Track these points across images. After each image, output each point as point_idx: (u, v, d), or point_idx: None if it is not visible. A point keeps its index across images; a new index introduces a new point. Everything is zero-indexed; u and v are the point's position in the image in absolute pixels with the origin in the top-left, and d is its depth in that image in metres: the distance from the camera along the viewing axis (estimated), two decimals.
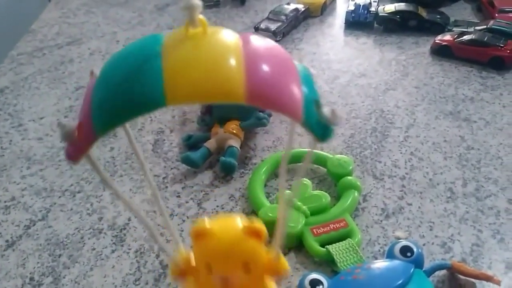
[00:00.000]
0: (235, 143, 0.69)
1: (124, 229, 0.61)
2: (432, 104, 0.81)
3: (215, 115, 0.72)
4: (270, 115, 0.74)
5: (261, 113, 0.71)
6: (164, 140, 0.77)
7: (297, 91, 0.28)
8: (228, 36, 0.28)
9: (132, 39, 1.10)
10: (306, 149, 0.70)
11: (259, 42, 0.29)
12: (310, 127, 0.29)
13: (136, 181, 0.69)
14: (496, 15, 0.97)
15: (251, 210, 0.62)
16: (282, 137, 0.76)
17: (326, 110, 0.29)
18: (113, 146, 0.76)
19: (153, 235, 0.36)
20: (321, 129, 0.29)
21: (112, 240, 0.60)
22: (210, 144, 0.70)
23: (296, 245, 0.57)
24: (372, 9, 1.07)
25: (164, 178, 0.70)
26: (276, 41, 1.02)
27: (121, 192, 0.33)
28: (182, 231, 0.61)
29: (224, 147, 0.69)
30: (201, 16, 0.28)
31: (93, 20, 1.22)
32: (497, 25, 0.91)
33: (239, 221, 0.36)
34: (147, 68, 0.26)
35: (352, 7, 1.08)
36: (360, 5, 1.08)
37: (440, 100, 0.82)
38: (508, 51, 0.85)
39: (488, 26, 0.92)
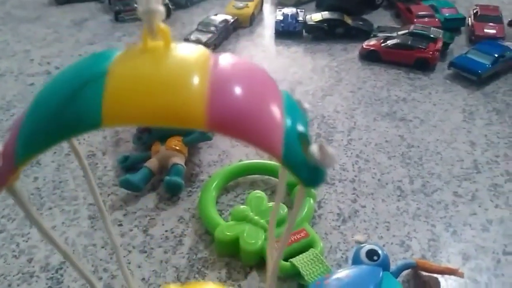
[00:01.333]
0: (179, 160, 0.64)
1: (61, 268, 0.53)
2: (369, 106, 0.83)
3: (154, 132, 0.67)
4: None
5: None
6: (97, 164, 0.70)
7: (277, 121, 0.23)
8: (195, 53, 0.23)
9: (49, 57, 1.00)
10: (257, 161, 0.67)
11: (235, 62, 0.24)
12: (293, 167, 0.23)
13: (68, 213, 0.61)
14: (414, 20, 1.03)
15: (205, 231, 0.58)
16: (227, 150, 0.73)
17: (313, 147, 0.23)
18: (37, 175, 0.67)
19: (89, 281, 0.30)
20: (308, 171, 0.23)
21: (47, 284, 0.51)
22: (152, 163, 0.64)
23: (257, 263, 0.53)
24: (300, 18, 1.08)
25: (96, 204, 0.62)
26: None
27: (47, 230, 0.27)
28: (129, 263, 0.54)
29: (167, 165, 0.64)
30: (162, 25, 0.23)
31: (0, 38, 1.09)
32: (417, 29, 0.97)
33: None
34: (87, 87, 0.22)
35: (280, 17, 1.09)
36: (288, 15, 1.09)
37: (376, 102, 0.84)
38: (431, 53, 0.91)
39: (410, 30, 0.97)
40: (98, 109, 0.21)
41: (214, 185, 0.62)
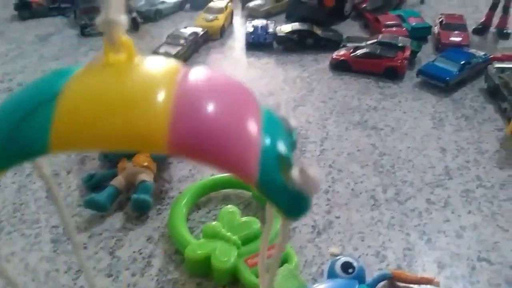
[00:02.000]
0: (147, 177, 0.62)
1: None
2: (341, 116, 0.83)
3: None
4: None
5: None
6: (61, 184, 0.66)
7: (251, 142, 0.21)
8: (161, 67, 0.21)
9: (11, 74, 0.96)
10: (229, 174, 0.65)
11: (207, 76, 0.22)
12: (270, 194, 0.21)
13: (29, 237, 0.58)
14: (382, 30, 1.05)
15: (175, 250, 0.55)
16: (198, 165, 0.71)
17: (293, 171, 0.20)
18: None
19: None
20: (289, 199, 0.21)
21: None
22: (118, 181, 0.61)
23: (230, 282, 0.51)
24: (270, 30, 1.08)
25: (65, 228, 0.59)
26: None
27: None
28: None
29: (134, 183, 0.62)
30: (125, 37, 0.21)
31: None
32: (385, 38, 0.98)
33: None
34: (36, 111, 0.20)
35: (251, 29, 1.08)
36: (259, 27, 1.08)
37: (347, 111, 0.84)
38: (400, 61, 0.92)
39: (378, 40, 0.98)
40: (45, 135, 0.19)
41: (184, 201, 0.60)
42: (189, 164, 0.70)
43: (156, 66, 0.22)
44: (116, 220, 0.60)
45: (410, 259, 0.55)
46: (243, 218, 0.57)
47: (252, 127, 0.21)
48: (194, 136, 0.20)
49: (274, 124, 0.23)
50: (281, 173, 0.21)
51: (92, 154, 0.72)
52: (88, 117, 0.19)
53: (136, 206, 0.59)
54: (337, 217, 0.61)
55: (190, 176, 0.68)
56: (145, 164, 0.63)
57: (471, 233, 0.58)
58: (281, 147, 0.22)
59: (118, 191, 0.61)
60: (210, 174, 0.68)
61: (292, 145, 0.23)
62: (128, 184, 0.62)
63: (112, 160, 0.66)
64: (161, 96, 0.20)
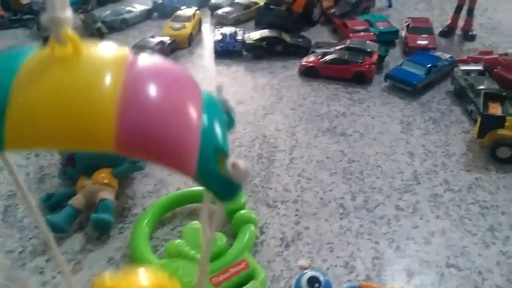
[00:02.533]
0: (108, 194, 0.59)
1: None
2: (310, 123, 0.82)
3: (79, 165, 0.62)
4: None
5: None
6: (18, 205, 0.63)
7: (192, 137, 0.22)
8: (108, 57, 0.22)
9: None
10: (195, 188, 0.63)
11: (150, 69, 0.22)
12: (206, 183, 0.23)
13: None
14: (351, 35, 1.05)
15: None
16: (164, 179, 0.68)
17: (227, 165, 0.22)
18: None
19: None
20: (222, 185, 0.23)
21: None
22: (77, 200, 0.59)
23: None
24: (239, 37, 1.07)
25: (20, 252, 0.56)
26: None
27: None
28: None
29: (95, 201, 0.59)
30: (70, 32, 0.21)
31: None
32: (353, 43, 0.98)
33: (149, 279, 0.31)
34: None
35: (219, 37, 1.07)
36: (227, 34, 1.07)
37: (316, 118, 0.83)
38: (367, 66, 0.92)
39: (346, 45, 0.98)
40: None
41: (147, 219, 0.58)
42: (153, 179, 0.68)
43: (102, 57, 0.22)
44: (75, 241, 0.58)
45: (379, 268, 0.54)
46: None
47: (193, 122, 0.22)
48: (139, 134, 0.20)
49: (214, 113, 0.24)
50: (217, 164, 0.22)
51: (51, 172, 0.69)
52: (38, 115, 0.20)
53: (96, 226, 0.57)
54: (306, 228, 0.60)
55: (155, 191, 0.66)
56: (105, 181, 0.60)
57: (439, 238, 0.58)
58: (219, 138, 0.23)
59: (77, 210, 0.58)
60: (176, 188, 0.66)
61: (229, 125, 0.25)
62: (88, 203, 0.60)
63: (72, 178, 0.64)
64: (107, 92, 0.20)
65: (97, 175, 0.61)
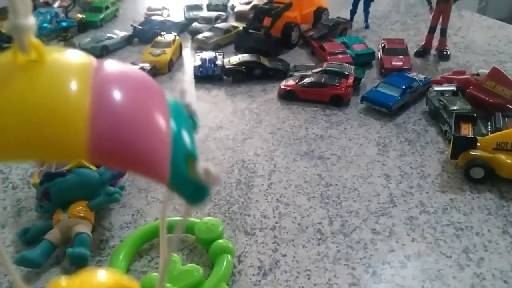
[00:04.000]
0: (84, 228, 0.59)
1: None
2: (288, 147, 0.83)
3: (54, 198, 0.61)
4: (123, 188, 0.66)
5: (111, 187, 0.63)
6: None
7: (164, 145, 0.22)
8: (73, 64, 0.21)
9: None
10: (172, 218, 0.63)
11: (117, 71, 0.23)
12: (178, 188, 0.23)
13: None
14: (328, 57, 1.07)
15: None
16: (142, 208, 0.68)
17: (200, 171, 0.23)
18: None
19: None
20: (193, 190, 0.24)
21: None
22: (53, 235, 0.58)
23: None
24: (218, 62, 1.08)
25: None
26: None
27: None
28: None
29: (71, 235, 0.59)
30: (34, 40, 0.21)
31: None
32: (330, 66, 1.00)
33: (104, 278, 0.31)
34: None
35: (199, 62, 1.08)
36: (206, 59, 1.08)
37: (295, 142, 0.84)
38: (344, 89, 0.93)
39: (323, 68, 1.00)
40: None
41: (124, 251, 0.57)
42: (131, 209, 0.68)
43: (67, 64, 0.21)
44: (52, 276, 0.57)
45: None
46: (185, 265, 0.55)
47: (163, 127, 0.22)
48: (111, 143, 0.20)
49: (180, 118, 0.24)
50: (188, 169, 0.23)
51: (29, 205, 0.69)
52: (3, 126, 0.19)
53: (72, 260, 0.57)
54: (284, 255, 0.60)
55: (133, 221, 0.66)
56: (81, 214, 0.60)
57: (415, 262, 0.59)
58: (188, 144, 0.24)
59: (53, 245, 0.58)
60: (154, 218, 0.66)
61: (194, 128, 0.26)
62: (64, 237, 0.59)
63: (49, 211, 0.63)
64: (76, 99, 0.20)
65: (73, 208, 0.60)
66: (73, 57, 0.22)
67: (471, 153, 0.72)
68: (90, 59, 0.23)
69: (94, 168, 0.65)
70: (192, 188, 0.23)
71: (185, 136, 0.24)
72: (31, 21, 0.21)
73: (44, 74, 0.21)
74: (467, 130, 0.76)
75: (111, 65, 0.23)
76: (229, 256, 0.57)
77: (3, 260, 0.29)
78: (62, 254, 0.60)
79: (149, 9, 1.45)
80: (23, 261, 0.56)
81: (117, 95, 0.21)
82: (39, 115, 0.19)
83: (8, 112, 0.19)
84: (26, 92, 0.20)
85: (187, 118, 0.25)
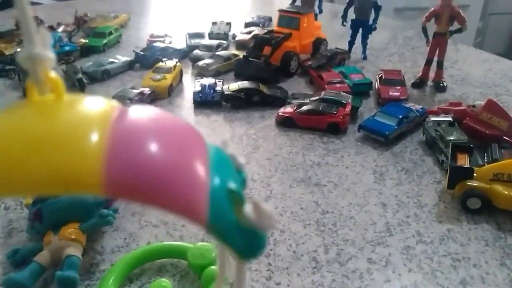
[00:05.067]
0: (74, 251, 0.58)
1: None
2: (285, 173, 0.83)
3: (46, 220, 0.61)
4: (116, 211, 0.66)
5: (104, 210, 0.62)
6: None
7: (199, 179, 0.20)
8: (94, 106, 0.20)
9: None
10: (165, 243, 0.62)
11: (147, 115, 0.21)
12: (222, 233, 0.20)
13: None
14: (326, 86, 1.08)
15: None
16: (135, 232, 0.67)
17: (247, 207, 0.20)
18: None
19: None
20: (243, 237, 0.20)
21: None
22: (42, 257, 0.57)
23: None
24: (218, 88, 1.09)
25: None
26: None
27: None
28: None
29: (61, 257, 0.58)
30: (52, 75, 0.20)
31: None
32: (328, 95, 1.01)
33: None
34: None
35: (198, 88, 1.09)
36: (206, 85, 1.10)
37: (291, 168, 0.84)
38: (341, 117, 0.94)
39: (321, 96, 1.01)
40: None
41: (114, 276, 0.56)
42: (124, 233, 0.67)
43: (88, 104, 0.20)
44: None
45: None
46: None
47: (199, 163, 0.20)
48: (131, 174, 0.18)
49: (222, 162, 0.22)
50: (234, 211, 0.20)
51: (20, 226, 0.68)
52: (12, 159, 0.18)
53: (61, 284, 0.55)
54: (278, 284, 0.59)
55: (125, 245, 0.65)
56: (72, 236, 0.59)
57: None
58: (231, 184, 0.21)
59: (42, 267, 0.57)
60: (147, 242, 0.65)
61: (242, 182, 0.22)
62: (54, 259, 0.58)
63: (39, 233, 0.62)
64: (93, 133, 0.18)
65: (64, 231, 0.59)
66: (93, 100, 0.21)
67: (467, 183, 0.72)
68: (113, 105, 0.21)
69: None
70: (241, 235, 0.20)
71: (228, 176, 0.21)
72: (49, 53, 0.19)
73: (60, 110, 0.20)
74: (463, 161, 0.76)
75: (136, 109, 0.21)
76: (223, 285, 0.56)
77: None
78: (51, 277, 0.58)
79: (151, 36, 1.48)
80: (10, 284, 0.54)
81: (140, 131, 0.20)
82: (50, 151, 0.18)
83: (18, 147, 0.18)
84: (39, 125, 0.19)
85: (230, 164, 0.23)
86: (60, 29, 1.49)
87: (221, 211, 0.20)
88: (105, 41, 1.41)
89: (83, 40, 1.39)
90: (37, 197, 0.62)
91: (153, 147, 0.19)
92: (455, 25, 1.11)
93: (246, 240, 0.20)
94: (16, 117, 0.19)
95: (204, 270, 0.57)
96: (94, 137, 0.18)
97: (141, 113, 0.21)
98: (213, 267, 0.57)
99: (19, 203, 0.73)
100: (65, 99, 0.20)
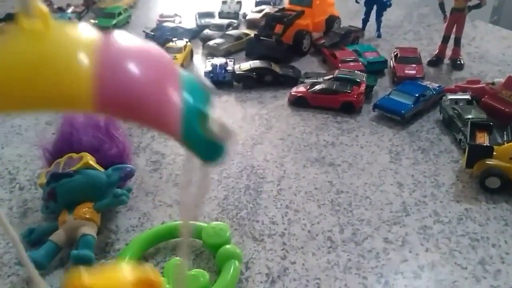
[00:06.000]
0: (89, 230, 0.58)
1: None
2: (298, 153, 0.82)
3: (60, 199, 0.61)
4: (130, 190, 0.65)
5: (118, 190, 0.62)
6: None
7: (174, 98, 0.23)
8: (80, 32, 0.22)
9: None
10: (179, 222, 0.62)
11: (128, 41, 0.24)
12: (191, 144, 0.24)
13: None
14: (339, 65, 1.06)
15: None
16: (149, 212, 0.67)
17: (213, 124, 0.24)
18: None
19: None
20: (207, 147, 0.24)
21: None
22: (57, 236, 0.57)
23: None
24: (229, 68, 1.08)
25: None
26: None
27: None
28: None
29: (76, 236, 0.58)
30: (40, 5, 0.21)
31: None
32: (341, 73, 0.99)
33: (127, 273, 0.30)
34: None
35: (209, 68, 1.08)
36: (217, 65, 1.08)
37: (305, 148, 0.83)
38: (355, 96, 0.92)
39: (335, 75, 0.99)
40: None
41: (129, 255, 0.56)
42: (138, 212, 0.67)
43: (74, 31, 0.22)
44: (55, 279, 0.56)
45: None
46: (192, 270, 0.54)
47: (174, 86, 0.23)
48: (118, 93, 0.21)
49: (192, 84, 0.25)
50: (201, 127, 0.23)
51: (35, 206, 0.68)
52: (5, 79, 0.20)
53: (77, 262, 0.55)
54: (293, 263, 0.58)
55: (139, 225, 0.65)
56: (87, 216, 0.59)
57: (429, 273, 0.56)
58: (201, 104, 0.24)
59: (57, 246, 0.57)
60: (161, 222, 0.65)
61: (207, 100, 0.25)
62: (69, 238, 0.58)
63: (55, 212, 0.62)
64: (84, 57, 0.21)
65: (79, 210, 0.59)
66: (79, 26, 0.23)
67: (487, 162, 0.70)
68: (97, 32, 0.23)
69: (101, 169, 0.64)
70: (206, 144, 0.24)
71: (198, 97, 0.24)
72: None
73: (50, 36, 0.21)
74: (482, 139, 0.74)
75: (120, 33, 0.24)
76: (237, 262, 0.56)
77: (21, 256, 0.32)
78: (67, 256, 0.59)
79: (161, 16, 1.45)
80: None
81: (123, 54, 0.22)
82: (41, 67, 0.20)
83: (9, 65, 0.20)
84: (32, 49, 0.21)
85: (200, 87, 0.26)
86: (70, 10, 1.48)
87: (191, 126, 0.23)
88: (114, 21, 1.39)
89: (92, 21, 1.38)
90: (51, 176, 0.62)
91: (135, 70, 0.22)
92: (473, 1, 1.07)
93: (209, 148, 0.24)
94: (11, 42, 0.21)
95: (219, 249, 0.57)
96: (85, 61, 0.21)
97: (123, 40, 0.24)
98: (228, 246, 0.57)
99: (33, 184, 0.73)
100: (54, 28, 0.22)
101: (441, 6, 1.11)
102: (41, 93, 0.20)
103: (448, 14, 1.10)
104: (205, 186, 0.27)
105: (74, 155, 0.64)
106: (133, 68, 0.22)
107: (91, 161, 0.63)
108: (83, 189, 0.60)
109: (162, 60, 0.25)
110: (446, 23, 1.11)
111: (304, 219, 0.66)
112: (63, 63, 0.21)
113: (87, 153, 0.64)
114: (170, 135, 0.22)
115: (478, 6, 1.06)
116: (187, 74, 0.26)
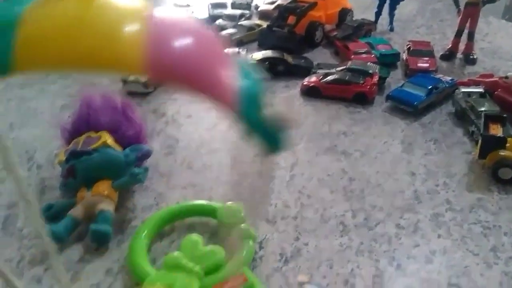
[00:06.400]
0: (107, 206, 0.59)
1: None
2: (311, 142, 0.82)
3: (79, 176, 0.62)
4: (147, 170, 0.67)
5: (135, 168, 0.63)
6: (18, 214, 0.63)
7: (230, 73, 0.23)
8: (131, 1, 0.23)
9: None
10: (194, 202, 0.63)
11: (178, 16, 0.25)
12: (250, 125, 0.23)
13: None
14: (352, 56, 1.06)
15: (135, 283, 0.52)
16: (164, 192, 0.68)
17: (271, 111, 0.23)
18: None
19: None
20: (269, 134, 0.24)
21: None
22: (76, 211, 0.59)
23: None
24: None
25: (19, 261, 0.56)
26: (148, 92, 0.96)
27: None
28: None
29: (94, 212, 0.59)
30: None
31: None
32: (354, 65, 0.99)
33: None
34: None
35: None
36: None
37: (317, 137, 0.84)
38: (368, 87, 0.93)
39: (347, 66, 0.99)
40: (6, 55, 0.20)
41: (146, 231, 0.57)
42: (154, 192, 0.68)
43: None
44: (74, 252, 0.57)
45: (380, 286, 0.53)
46: (208, 247, 0.55)
47: (227, 62, 0.23)
48: (172, 54, 0.21)
49: (248, 71, 0.25)
50: (257, 108, 0.23)
51: (52, 183, 0.69)
52: (53, 38, 0.20)
53: (95, 237, 0.57)
54: (306, 244, 0.59)
55: (155, 204, 0.66)
56: (105, 193, 0.60)
57: (441, 258, 0.57)
58: (258, 87, 0.25)
59: (76, 221, 0.58)
60: (176, 202, 0.66)
61: (261, 86, 0.26)
62: (87, 214, 0.59)
63: (72, 189, 0.64)
64: (135, 22, 0.21)
65: (97, 187, 0.61)
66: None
67: (500, 153, 0.70)
68: (149, 5, 0.24)
69: (119, 149, 0.65)
70: (264, 130, 0.23)
71: (255, 81, 0.24)
72: None
73: (100, 4, 0.22)
74: (496, 131, 0.74)
75: (167, 9, 0.24)
76: (251, 241, 0.57)
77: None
78: (84, 231, 0.60)
79: (174, 5, 1.46)
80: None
81: (175, 25, 0.23)
82: (91, 25, 0.21)
83: (59, 21, 0.21)
84: (79, 10, 0.21)
85: (255, 76, 0.26)
86: None
87: (249, 106, 0.23)
88: None
89: None
90: (70, 154, 0.63)
91: (188, 40, 0.22)
92: None
93: (271, 135, 0.24)
94: (63, 2, 0.22)
95: (233, 228, 0.57)
96: (137, 26, 0.21)
97: (173, 13, 0.25)
98: (242, 225, 0.58)
99: (50, 163, 0.74)
100: None
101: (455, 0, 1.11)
102: (92, 49, 0.20)
103: (462, 8, 1.10)
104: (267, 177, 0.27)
105: (93, 133, 0.66)
106: (185, 38, 0.22)
107: (110, 140, 0.64)
108: (102, 167, 0.61)
109: (214, 40, 0.25)
110: (460, 17, 1.11)
111: (316, 204, 0.67)
112: (108, 23, 0.21)
113: (105, 132, 0.65)
114: (229, 107, 0.22)
115: (492, 0, 1.06)
116: (242, 59, 0.27)
